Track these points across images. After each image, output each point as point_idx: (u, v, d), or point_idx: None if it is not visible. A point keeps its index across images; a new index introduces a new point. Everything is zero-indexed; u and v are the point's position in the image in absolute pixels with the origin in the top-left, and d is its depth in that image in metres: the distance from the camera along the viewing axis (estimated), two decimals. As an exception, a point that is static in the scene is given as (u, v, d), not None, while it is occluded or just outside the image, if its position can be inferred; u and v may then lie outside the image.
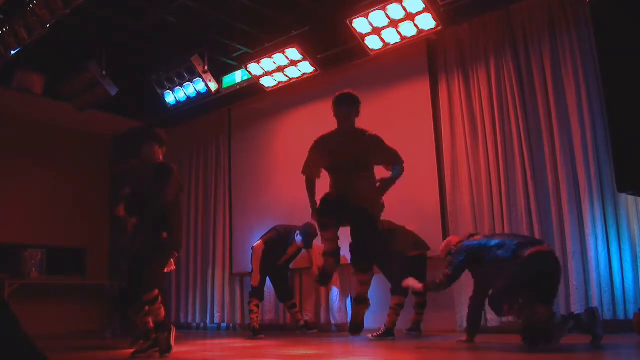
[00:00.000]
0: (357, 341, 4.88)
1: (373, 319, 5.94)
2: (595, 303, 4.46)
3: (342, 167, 4.03)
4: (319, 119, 6.73)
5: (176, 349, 4.02)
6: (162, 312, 4.02)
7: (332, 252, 3.93)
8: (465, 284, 4.72)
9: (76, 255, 8.08)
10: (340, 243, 3.98)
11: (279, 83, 6.66)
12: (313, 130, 6.78)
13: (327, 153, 4.09)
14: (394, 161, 4.03)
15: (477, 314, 4.11)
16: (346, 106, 4.09)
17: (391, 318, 4.94)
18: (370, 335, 4.99)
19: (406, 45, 5.73)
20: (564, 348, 3.74)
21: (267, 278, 5.85)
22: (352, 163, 3.99)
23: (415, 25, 5.44)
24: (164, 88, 7.14)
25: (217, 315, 7.24)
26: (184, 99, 7.11)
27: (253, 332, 5.51)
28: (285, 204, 6.52)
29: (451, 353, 3.75)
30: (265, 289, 5.93)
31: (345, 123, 4.09)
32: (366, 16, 5.46)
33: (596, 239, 4.55)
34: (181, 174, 8.04)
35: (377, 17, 5.45)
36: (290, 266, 6.08)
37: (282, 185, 6.76)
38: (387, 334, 4.90)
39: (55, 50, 6.47)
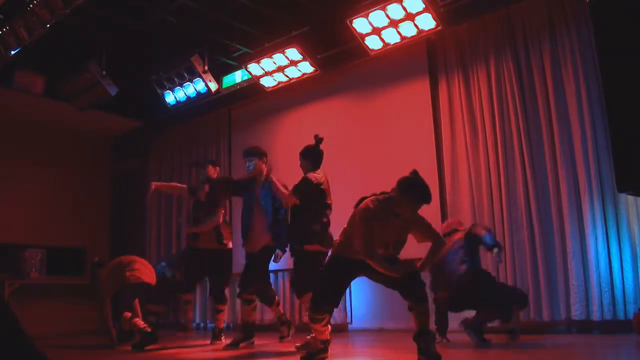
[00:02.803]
0: (356, 341, 4.87)
1: (372, 320, 5.96)
2: (595, 303, 4.46)
3: None
4: (319, 119, 6.75)
5: (177, 349, 4.03)
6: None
7: None
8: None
9: (76, 255, 8.09)
10: None
11: (279, 83, 6.66)
12: (313, 130, 6.81)
13: None
14: None
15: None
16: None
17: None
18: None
19: (406, 45, 5.73)
20: (563, 347, 3.74)
21: None
22: None
23: (415, 25, 5.44)
24: (164, 88, 7.14)
25: (217, 315, 7.22)
26: (184, 99, 7.11)
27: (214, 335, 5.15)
28: (285, 204, 6.52)
29: (450, 353, 3.74)
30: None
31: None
32: (366, 16, 5.46)
33: (596, 239, 4.55)
34: (181, 174, 8.08)
35: (377, 17, 5.45)
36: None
37: (282, 185, 6.76)
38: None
39: (55, 50, 6.47)
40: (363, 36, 5.65)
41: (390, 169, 5.43)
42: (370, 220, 2.97)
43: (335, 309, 3.37)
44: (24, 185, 7.96)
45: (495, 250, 4.02)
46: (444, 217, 5.49)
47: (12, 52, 5.47)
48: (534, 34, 5.15)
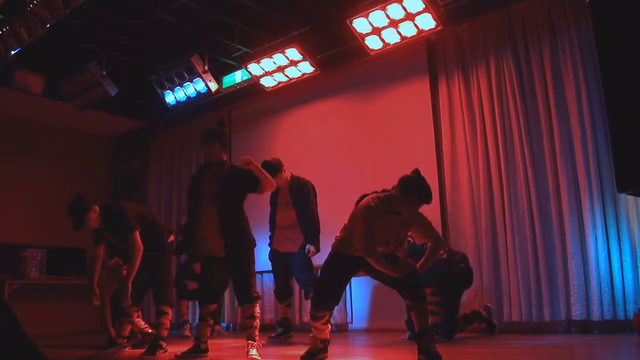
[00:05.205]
0: (356, 341, 4.87)
1: (372, 320, 5.96)
2: (595, 303, 4.46)
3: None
4: (319, 119, 6.76)
5: (176, 349, 4.03)
6: None
7: None
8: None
9: (76, 255, 8.08)
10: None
11: (279, 83, 6.66)
12: (313, 130, 6.84)
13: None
14: None
15: None
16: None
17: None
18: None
19: (406, 45, 5.73)
20: (563, 347, 3.74)
21: None
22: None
23: (415, 25, 5.44)
24: (164, 88, 7.15)
25: (217, 315, 7.22)
26: (184, 99, 7.11)
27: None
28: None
29: (449, 352, 3.74)
30: (265, 287, 5.89)
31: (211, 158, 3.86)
32: (366, 16, 5.46)
33: (596, 239, 4.55)
34: (181, 174, 8.08)
35: (377, 17, 5.45)
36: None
37: (282, 185, 6.76)
38: None
39: (55, 50, 6.47)
40: (363, 36, 5.65)
41: (390, 168, 5.44)
42: (370, 218, 2.97)
43: (335, 309, 3.37)
44: (24, 185, 7.96)
45: None
46: (443, 216, 5.49)
47: (12, 52, 5.47)
48: (534, 34, 5.15)
